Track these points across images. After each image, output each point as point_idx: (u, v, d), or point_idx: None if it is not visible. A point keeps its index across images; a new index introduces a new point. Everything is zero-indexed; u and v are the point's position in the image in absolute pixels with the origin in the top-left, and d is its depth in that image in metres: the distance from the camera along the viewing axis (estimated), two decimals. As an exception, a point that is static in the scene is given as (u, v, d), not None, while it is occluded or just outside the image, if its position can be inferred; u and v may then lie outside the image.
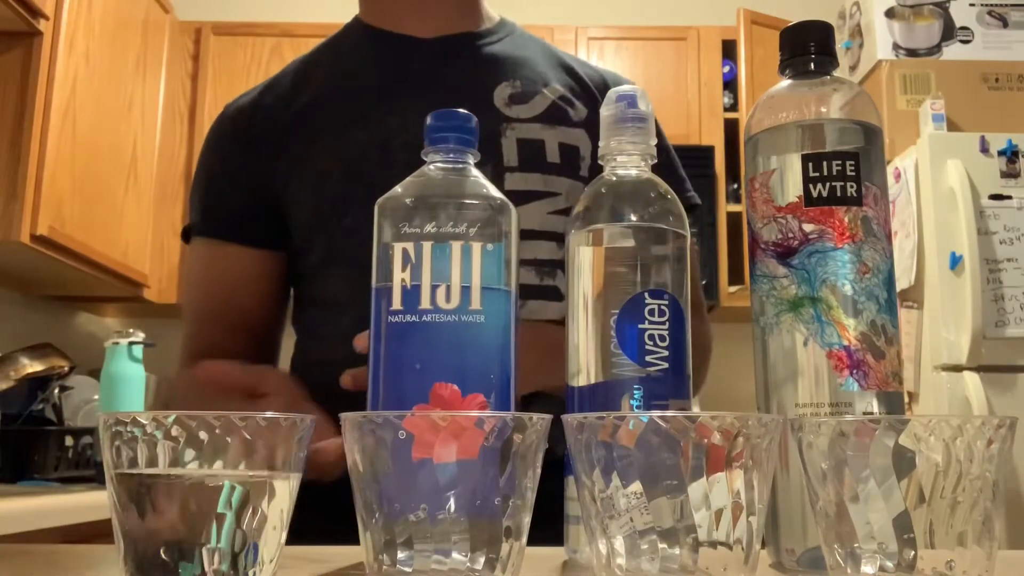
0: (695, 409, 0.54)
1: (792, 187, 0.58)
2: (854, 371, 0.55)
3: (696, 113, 3.23)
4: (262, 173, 1.00)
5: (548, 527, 0.60)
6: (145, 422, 0.44)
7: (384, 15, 1.07)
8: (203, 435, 0.44)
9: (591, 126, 1.01)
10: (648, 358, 0.55)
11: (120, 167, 2.75)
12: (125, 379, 2.35)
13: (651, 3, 3.62)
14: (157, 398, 2.62)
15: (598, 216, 0.57)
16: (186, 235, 1.06)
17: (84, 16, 2.46)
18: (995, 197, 2.44)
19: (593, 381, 0.56)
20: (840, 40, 3.06)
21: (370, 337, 0.57)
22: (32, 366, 2.33)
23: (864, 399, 0.55)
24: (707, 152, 3.14)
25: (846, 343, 0.55)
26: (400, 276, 0.56)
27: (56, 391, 2.40)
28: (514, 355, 0.57)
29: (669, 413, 0.42)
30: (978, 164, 2.45)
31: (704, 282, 1.08)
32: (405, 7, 1.06)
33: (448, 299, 0.55)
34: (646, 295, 0.55)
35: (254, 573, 0.45)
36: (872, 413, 0.55)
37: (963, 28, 2.91)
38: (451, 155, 0.59)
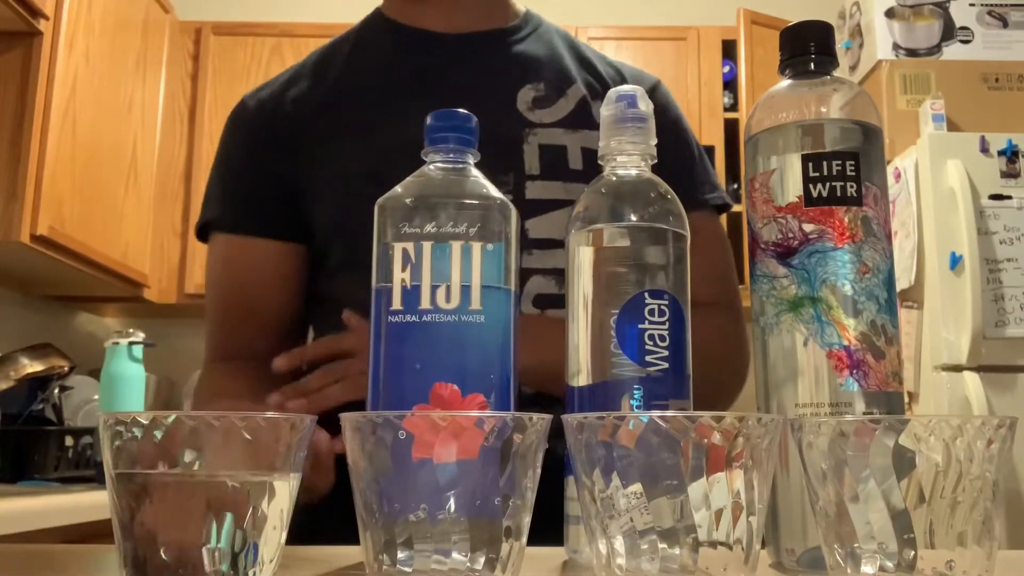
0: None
1: (792, 187, 0.58)
2: (854, 371, 0.55)
3: (696, 113, 3.23)
4: (283, 170, 0.98)
5: (548, 527, 0.60)
6: (145, 422, 0.44)
7: (406, 9, 1.04)
8: (203, 435, 0.44)
9: None
10: (648, 358, 0.55)
11: (120, 167, 2.75)
12: (125, 379, 2.35)
13: (651, 3, 3.62)
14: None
15: (598, 216, 0.57)
16: (203, 232, 1.04)
17: (84, 16, 2.46)
18: (995, 197, 2.44)
19: (593, 381, 0.56)
20: (840, 40, 3.06)
21: (370, 337, 0.57)
22: (32, 366, 2.33)
23: (864, 399, 0.55)
24: (707, 152, 3.14)
25: (846, 343, 0.55)
26: (400, 276, 0.56)
27: (56, 391, 2.40)
28: (514, 355, 0.57)
29: (669, 413, 0.42)
30: (978, 164, 2.45)
31: None
32: (428, 2, 1.03)
33: (448, 299, 0.55)
34: (646, 295, 0.55)
35: (254, 573, 0.45)
36: (872, 413, 0.55)
37: (963, 28, 2.91)
38: (451, 155, 0.59)
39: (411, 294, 0.55)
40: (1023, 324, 2.38)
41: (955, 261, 2.39)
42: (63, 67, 2.35)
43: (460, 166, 0.59)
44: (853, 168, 0.57)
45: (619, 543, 0.43)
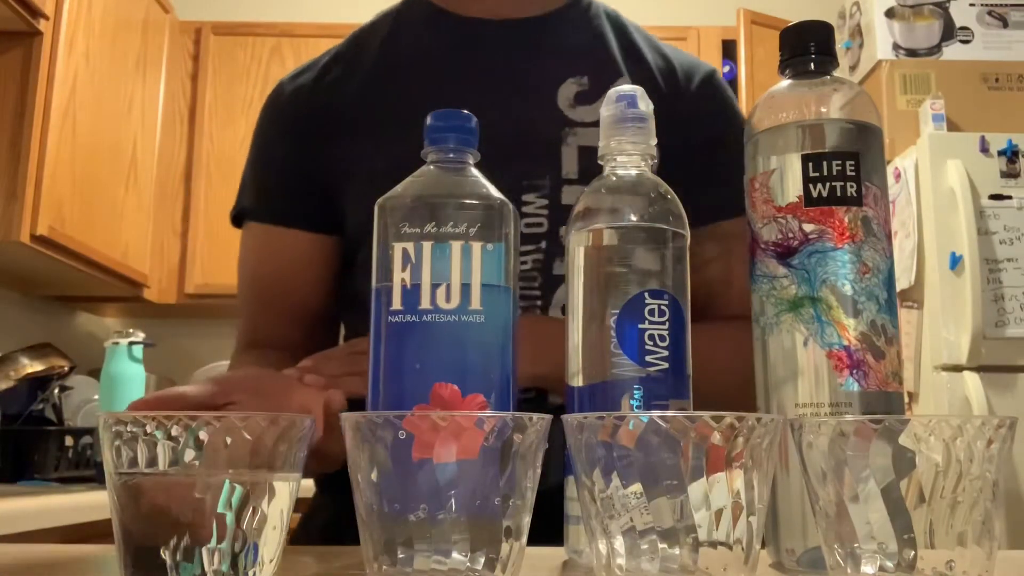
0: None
1: (792, 187, 0.58)
2: (854, 371, 0.55)
3: (696, 113, 3.22)
4: (316, 162, 0.96)
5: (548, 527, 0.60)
6: (145, 422, 0.44)
7: None
8: (203, 435, 0.44)
9: (657, 126, 0.97)
10: (648, 358, 0.55)
11: (120, 167, 2.75)
12: (125, 379, 2.35)
13: (651, 3, 3.62)
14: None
15: (598, 216, 0.57)
16: (238, 219, 1.02)
17: (84, 16, 2.46)
18: (995, 197, 2.44)
19: (593, 381, 0.56)
20: (840, 40, 3.06)
21: (370, 337, 0.57)
22: (32, 366, 2.33)
23: (864, 399, 0.55)
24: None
25: (846, 343, 0.55)
26: (400, 276, 0.56)
27: (56, 391, 2.40)
28: (514, 355, 0.57)
29: (669, 413, 0.42)
30: (978, 164, 2.45)
31: None
32: None
33: (448, 299, 0.55)
34: (646, 295, 0.55)
35: (254, 573, 0.45)
36: (872, 413, 0.55)
37: (963, 28, 2.91)
38: (451, 155, 0.59)
39: (411, 294, 0.55)
40: (1023, 324, 2.38)
41: (955, 261, 2.39)
42: (63, 67, 2.35)
43: (460, 166, 0.59)
44: (853, 168, 0.57)
45: (619, 543, 0.43)
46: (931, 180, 2.46)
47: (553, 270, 0.89)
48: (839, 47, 2.96)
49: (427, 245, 0.55)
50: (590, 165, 0.84)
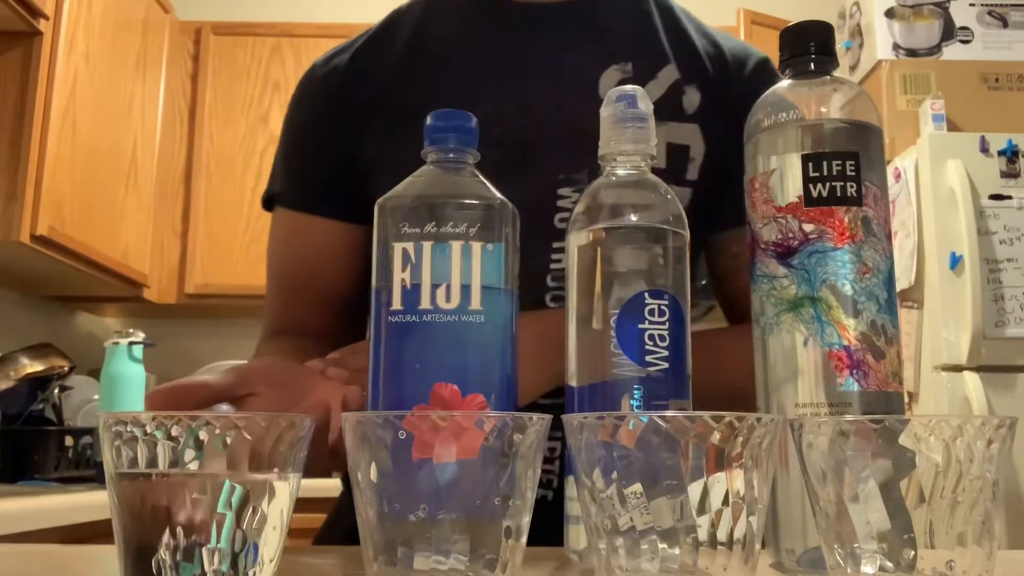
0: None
1: (792, 187, 0.58)
2: (854, 371, 0.55)
3: (696, 113, 3.22)
4: (348, 149, 0.93)
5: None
6: (145, 422, 0.44)
7: None
8: (203, 435, 0.44)
9: (705, 117, 0.90)
10: (648, 358, 0.55)
11: (120, 167, 2.75)
12: (125, 379, 2.35)
13: (651, 3, 3.62)
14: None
15: (598, 216, 0.57)
16: (268, 203, 1.01)
17: (84, 16, 2.46)
18: (995, 197, 2.44)
19: (593, 381, 0.56)
20: (840, 40, 3.06)
21: (370, 337, 0.57)
22: (32, 366, 2.33)
23: (864, 399, 0.55)
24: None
25: (846, 343, 0.55)
26: (400, 276, 0.56)
27: (56, 391, 2.41)
28: (514, 355, 0.57)
29: (669, 413, 0.42)
30: (978, 164, 2.45)
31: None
32: None
33: (448, 299, 0.55)
34: (646, 295, 0.55)
35: (254, 573, 0.45)
36: (872, 413, 0.55)
37: (963, 28, 2.91)
38: (451, 155, 0.59)
39: (411, 294, 0.55)
40: (1023, 324, 2.38)
41: (955, 261, 2.39)
42: (63, 67, 2.35)
43: (460, 166, 0.59)
44: (853, 168, 0.57)
45: (619, 543, 0.43)
46: (931, 180, 2.46)
47: None
48: (839, 47, 2.96)
49: (427, 245, 0.55)
50: None
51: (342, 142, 0.94)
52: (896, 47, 2.89)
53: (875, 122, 0.59)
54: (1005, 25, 2.90)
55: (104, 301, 3.15)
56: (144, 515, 0.44)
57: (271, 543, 0.45)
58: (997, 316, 2.38)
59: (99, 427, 0.46)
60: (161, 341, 2.59)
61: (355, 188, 0.92)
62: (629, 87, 0.60)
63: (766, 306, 0.58)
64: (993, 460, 0.43)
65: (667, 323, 0.55)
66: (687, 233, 0.58)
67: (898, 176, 2.59)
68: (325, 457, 0.62)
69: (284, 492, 0.46)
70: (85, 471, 2.26)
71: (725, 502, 0.42)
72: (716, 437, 0.42)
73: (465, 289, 0.55)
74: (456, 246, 0.55)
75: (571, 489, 0.58)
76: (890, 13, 2.91)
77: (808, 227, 0.57)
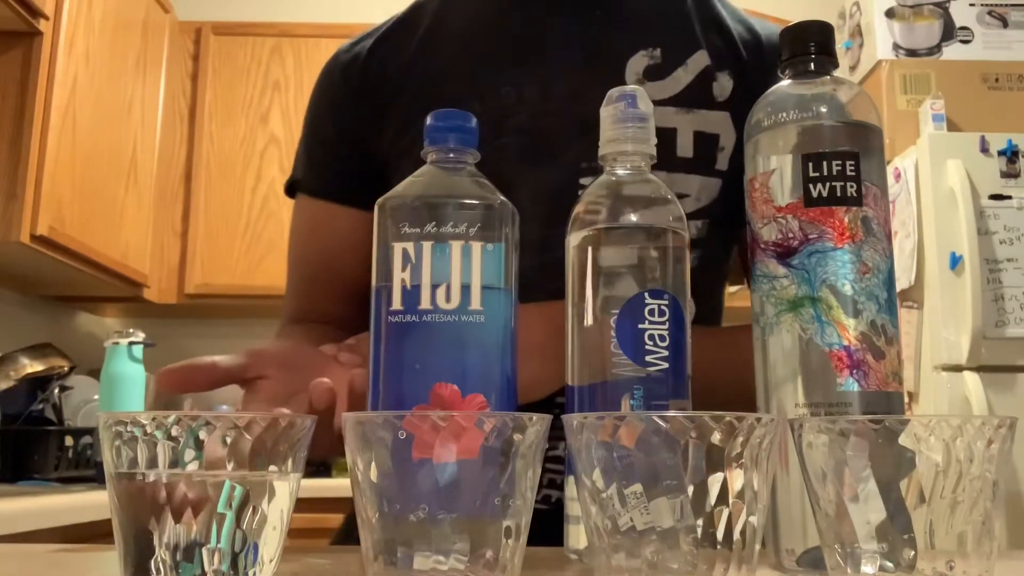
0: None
1: (792, 187, 0.58)
2: (854, 371, 0.55)
3: (696, 113, 3.22)
4: (366, 138, 0.92)
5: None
6: (145, 422, 0.44)
7: None
8: (203, 435, 0.44)
9: (737, 105, 0.86)
10: (648, 358, 0.55)
11: (120, 167, 2.75)
12: (125, 379, 2.35)
13: (651, 3, 3.62)
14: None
15: (598, 216, 0.57)
16: (291, 189, 1.00)
17: (84, 16, 2.46)
18: (995, 197, 2.44)
19: (593, 381, 0.56)
20: (840, 40, 3.06)
21: (370, 337, 0.57)
22: (32, 366, 2.33)
23: (864, 399, 0.55)
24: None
25: (846, 343, 0.55)
26: (400, 276, 0.56)
27: (56, 391, 2.41)
28: (514, 354, 0.57)
29: (669, 413, 0.42)
30: (978, 164, 2.45)
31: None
32: None
33: (448, 299, 0.55)
34: (646, 295, 0.55)
35: (254, 573, 0.45)
36: (872, 413, 0.55)
37: (963, 28, 2.91)
38: (451, 155, 0.59)
39: (411, 294, 0.55)
40: (1023, 324, 2.38)
41: (955, 261, 2.39)
42: (63, 67, 2.35)
43: (460, 166, 0.59)
44: (853, 168, 0.57)
45: (619, 543, 0.43)
46: (931, 180, 2.46)
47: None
48: (839, 47, 2.96)
49: (427, 245, 0.55)
50: (657, 147, 0.72)
51: (361, 131, 0.93)
52: (896, 47, 2.89)
53: (875, 122, 0.59)
54: (1005, 25, 2.90)
55: (104, 301, 3.15)
56: (144, 515, 0.44)
57: (271, 543, 0.45)
58: (997, 316, 2.38)
59: (99, 427, 0.46)
60: (161, 341, 2.59)
61: (374, 177, 0.90)
62: (629, 87, 0.60)
63: (766, 306, 0.58)
64: (993, 460, 0.43)
65: (667, 323, 0.55)
66: (687, 233, 0.58)
67: (898, 176, 2.59)
68: (331, 442, 0.61)
69: (284, 492, 0.46)
70: (85, 471, 2.26)
71: (725, 502, 0.42)
72: (716, 437, 0.42)
73: (465, 289, 0.55)
74: (456, 246, 0.55)
75: (571, 489, 0.58)
76: (890, 13, 2.91)
77: (808, 227, 0.57)
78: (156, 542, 0.43)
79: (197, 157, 3.11)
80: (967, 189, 2.39)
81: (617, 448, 0.42)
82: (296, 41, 3.17)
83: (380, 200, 0.59)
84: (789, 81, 0.61)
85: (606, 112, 0.60)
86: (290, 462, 0.46)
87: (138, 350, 2.37)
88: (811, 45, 0.61)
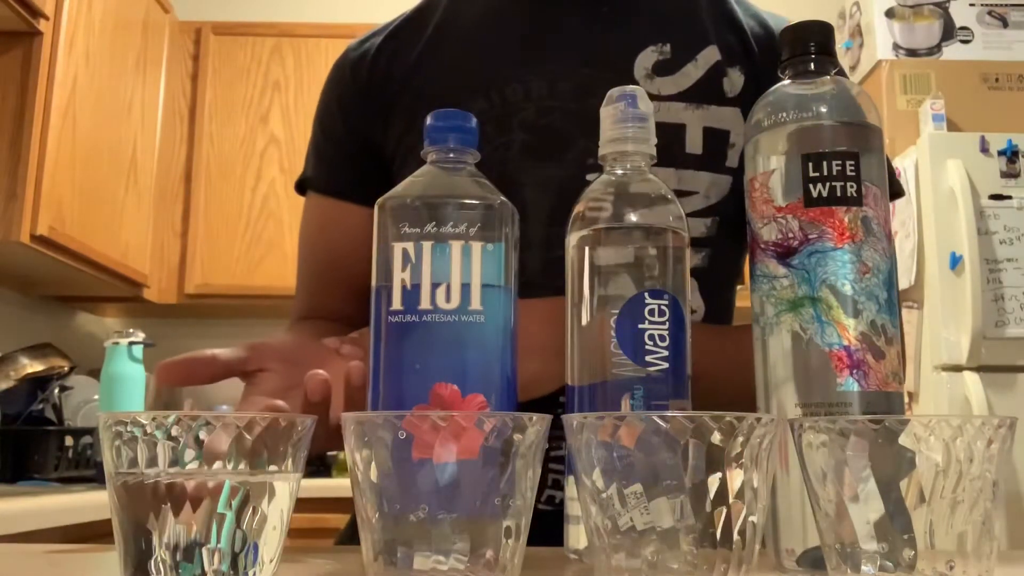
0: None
1: (792, 187, 0.58)
2: (854, 371, 0.55)
3: (696, 113, 3.22)
4: (374, 135, 0.92)
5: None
6: (145, 422, 0.44)
7: None
8: (203, 435, 0.44)
9: (747, 100, 0.83)
10: (648, 358, 0.55)
11: (120, 167, 2.75)
12: (125, 379, 2.35)
13: (651, 3, 3.61)
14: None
15: (598, 216, 0.57)
16: (301, 186, 1.00)
17: (84, 16, 2.46)
18: (995, 197, 2.44)
19: (593, 381, 0.56)
20: (840, 40, 3.06)
21: (370, 337, 0.57)
22: (32, 366, 2.33)
23: (864, 399, 0.55)
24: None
25: (846, 343, 0.55)
26: (400, 276, 0.56)
27: (56, 391, 2.41)
28: (514, 354, 0.57)
29: (669, 413, 0.42)
30: (978, 164, 2.45)
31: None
32: None
33: (448, 299, 0.55)
34: (646, 295, 0.55)
35: (254, 573, 0.45)
36: (872, 413, 0.55)
37: (963, 28, 2.91)
38: (451, 155, 0.59)
39: (411, 294, 0.55)
40: (1023, 324, 2.38)
41: (955, 261, 2.39)
42: (63, 67, 2.35)
43: (460, 166, 0.59)
44: (853, 168, 0.57)
45: (619, 543, 0.43)
46: (931, 180, 2.46)
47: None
48: (839, 47, 2.96)
49: (427, 245, 0.55)
50: (666, 144, 0.71)
51: (369, 128, 0.93)
52: (896, 47, 2.89)
53: (875, 122, 0.59)
54: (1005, 25, 2.90)
55: (104, 301, 3.15)
56: (144, 515, 0.44)
57: (271, 543, 0.45)
58: (997, 316, 2.38)
59: (99, 427, 0.46)
60: (161, 341, 2.59)
61: (382, 174, 0.91)
62: (629, 87, 0.60)
63: (766, 306, 0.58)
64: (993, 460, 0.43)
65: (667, 323, 0.55)
66: (687, 233, 0.58)
67: (898, 176, 2.59)
68: (326, 435, 0.61)
69: (284, 492, 0.46)
70: (85, 471, 2.26)
71: (725, 502, 0.42)
72: (716, 437, 0.42)
73: (465, 289, 0.55)
74: (456, 246, 0.55)
75: (571, 489, 0.58)
76: (890, 13, 2.92)
77: (808, 227, 0.57)
78: (156, 542, 0.43)
79: (197, 157, 3.11)
80: (967, 189, 2.39)
81: (617, 448, 0.42)
82: (296, 41, 3.17)
83: (380, 200, 0.59)
84: (789, 81, 0.61)
85: (606, 112, 0.60)
86: (290, 462, 0.46)
87: (138, 350, 2.37)
88: (811, 45, 0.61)
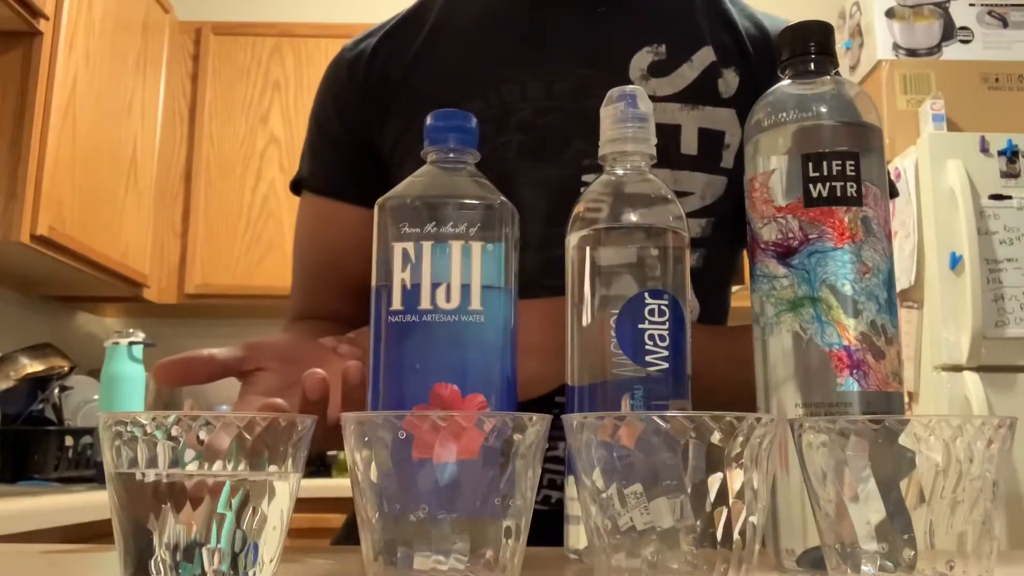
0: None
1: (792, 187, 0.58)
2: (854, 371, 0.55)
3: (696, 113, 3.22)
4: (370, 135, 0.92)
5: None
6: (145, 422, 0.44)
7: None
8: (203, 435, 0.44)
9: (742, 101, 0.86)
10: (648, 358, 0.55)
11: (120, 167, 2.75)
12: (125, 379, 2.35)
13: (651, 3, 3.61)
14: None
15: (598, 216, 0.57)
16: (296, 186, 0.99)
17: (84, 16, 2.46)
18: (995, 197, 2.44)
19: (593, 381, 0.56)
20: (840, 40, 3.06)
21: (370, 337, 0.57)
22: (32, 366, 2.33)
23: (864, 399, 0.55)
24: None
25: (846, 343, 0.55)
26: (400, 276, 0.56)
27: (56, 391, 2.41)
28: (514, 354, 0.57)
29: (669, 413, 0.42)
30: (978, 164, 2.45)
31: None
32: None
33: (448, 299, 0.55)
34: (646, 295, 0.55)
35: (254, 573, 0.45)
36: (872, 413, 0.55)
37: (963, 28, 2.91)
38: (451, 155, 0.59)
39: (411, 294, 0.55)
40: (1023, 324, 2.38)
41: (955, 261, 2.39)
42: (63, 67, 2.35)
43: (460, 166, 0.59)
44: (853, 168, 0.57)
45: (619, 543, 0.43)
46: (931, 180, 2.46)
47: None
48: (839, 47, 2.96)
49: (427, 245, 0.55)
50: (661, 145, 0.69)
51: (365, 128, 0.93)
52: (896, 47, 2.89)
53: (875, 122, 0.59)
54: (1005, 25, 2.90)
55: (104, 301, 3.15)
56: (144, 515, 0.44)
57: (271, 543, 0.45)
58: (997, 316, 2.38)
59: (99, 427, 0.46)
60: (161, 341, 2.59)
61: (378, 174, 0.90)
62: (629, 87, 0.60)
63: (766, 306, 0.58)
64: (993, 460, 0.43)
65: (667, 323, 0.55)
66: (687, 233, 0.58)
67: (898, 176, 2.59)
68: (324, 433, 0.61)
69: (284, 492, 0.46)
70: (85, 471, 2.26)
71: (725, 502, 0.42)
72: (716, 437, 0.42)
73: (465, 289, 0.55)
74: (456, 246, 0.55)
75: (571, 489, 0.58)
76: (890, 13, 2.91)
77: (808, 227, 0.57)
78: (156, 542, 0.43)
79: (197, 157, 3.11)
80: (967, 189, 2.39)
81: (617, 448, 0.42)
82: (296, 41, 3.17)
83: (380, 200, 0.59)
84: (789, 81, 0.61)
85: (606, 112, 0.60)
86: (290, 462, 0.46)
87: (138, 350, 2.37)
88: (811, 45, 0.61)
